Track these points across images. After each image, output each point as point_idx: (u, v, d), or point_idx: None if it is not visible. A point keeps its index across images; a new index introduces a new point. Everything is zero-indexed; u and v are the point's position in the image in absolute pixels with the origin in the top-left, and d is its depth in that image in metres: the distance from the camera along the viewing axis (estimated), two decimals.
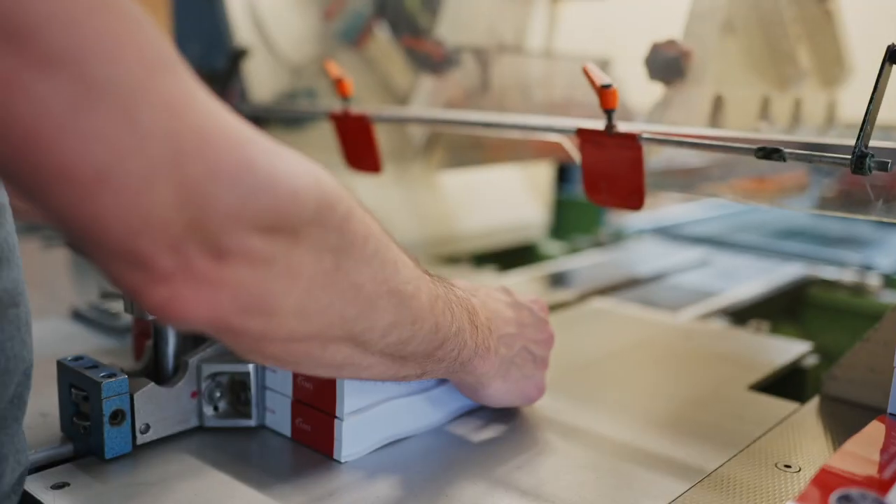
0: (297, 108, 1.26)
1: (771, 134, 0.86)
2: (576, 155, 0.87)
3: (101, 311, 0.96)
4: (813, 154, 0.69)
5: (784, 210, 2.05)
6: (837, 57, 1.07)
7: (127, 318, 0.93)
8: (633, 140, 0.77)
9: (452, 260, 1.45)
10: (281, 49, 1.30)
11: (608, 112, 0.78)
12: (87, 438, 0.65)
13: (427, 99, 1.18)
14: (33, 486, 0.60)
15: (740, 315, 1.20)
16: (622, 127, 0.79)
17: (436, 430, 0.72)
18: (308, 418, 0.67)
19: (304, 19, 1.35)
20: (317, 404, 0.66)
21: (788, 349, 0.98)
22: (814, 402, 0.81)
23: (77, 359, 0.67)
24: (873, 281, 1.34)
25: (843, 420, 0.78)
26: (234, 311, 0.42)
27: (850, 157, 0.66)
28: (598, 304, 1.15)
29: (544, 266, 1.44)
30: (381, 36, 1.29)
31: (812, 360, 0.97)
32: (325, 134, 1.20)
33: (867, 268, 1.42)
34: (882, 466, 0.55)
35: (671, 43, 0.91)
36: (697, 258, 1.50)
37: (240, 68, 1.25)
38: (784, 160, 0.69)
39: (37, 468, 0.63)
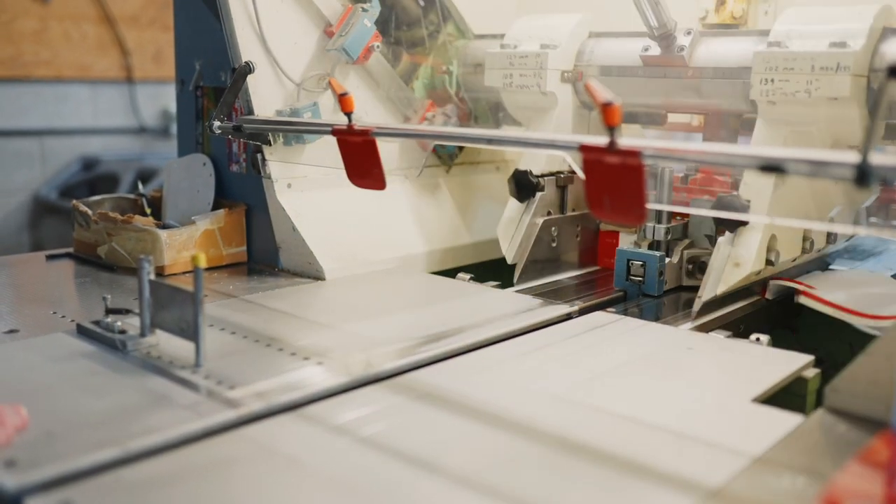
0: (301, 124, 1.26)
1: (773, 149, 0.87)
2: (579, 170, 0.87)
3: (106, 327, 0.96)
4: (816, 169, 0.69)
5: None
6: None
7: (133, 335, 0.93)
8: (635, 156, 0.78)
9: (456, 272, 1.46)
10: (285, 65, 1.31)
11: (610, 129, 0.78)
12: (639, 287, 1.27)
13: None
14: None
15: (740, 326, 1.21)
16: (625, 143, 0.79)
17: (438, 444, 0.72)
18: None
19: (308, 36, 1.35)
20: None
21: (790, 361, 0.98)
22: (817, 415, 0.82)
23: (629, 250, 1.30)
24: None
25: (846, 433, 0.78)
26: None
27: (853, 171, 0.67)
28: (600, 316, 1.15)
29: (546, 278, 1.44)
30: (385, 52, 1.30)
31: (812, 372, 0.98)
32: (328, 148, 1.20)
33: None
34: (889, 481, 0.56)
35: None
36: None
37: (245, 84, 1.26)
38: (786, 174, 0.70)
39: (44, 486, 0.64)
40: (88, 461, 0.66)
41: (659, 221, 1.30)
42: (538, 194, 1.35)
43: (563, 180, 1.39)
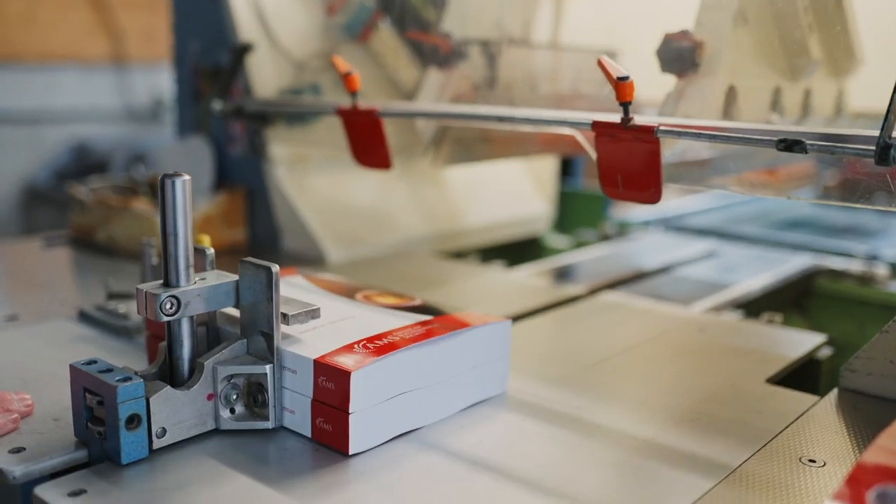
0: (304, 104, 1.24)
1: (790, 125, 0.85)
2: (590, 148, 0.86)
3: (109, 312, 0.95)
4: (835, 145, 0.68)
5: (789, 200, 2.05)
6: (848, 46, 1.06)
7: (136, 319, 0.92)
8: (650, 133, 0.77)
9: (459, 255, 1.44)
10: (284, 44, 1.29)
11: (624, 105, 0.77)
12: (102, 444, 0.63)
13: (435, 93, 1.17)
14: (49, 493, 0.59)
15: (750, 307, 1.20)
16: (639, 120, 0.78)
17: (452, 426, 0.71)
18: (329, 418, 0.66)
19: (308, 14, 1.33)
20: (334, 403, 0.65)
21: (803, 341, 0.97)
22: (832, 395, 0.81)
23: (90, 362, 0.65)
24: (881, 270, 1.33)
25: (862, 413, 0.77)
26: None
27: (873, 148, 0.66)
28: (609, 297, 1.14)
29: (551, 260, 1.43)
30: (386, 30, 1.28)
31: (826, 352, 0.97)
32: (330, 129, 1.19)
33: (873, 258, 1.42)
34: None
35: (684, 34, 0.90)
36: (703, 250, 1.50)
37: (243, 64, 1.24)
38: (806, 152, 0.68)
39: (52, 475, 0.62)
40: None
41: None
42: (460, 63, 1.16)
43: (493, 49, 1.19)
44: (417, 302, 0.81)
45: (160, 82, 3.82)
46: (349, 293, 0.84)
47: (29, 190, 3.55)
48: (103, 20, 3.70)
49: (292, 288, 0.85)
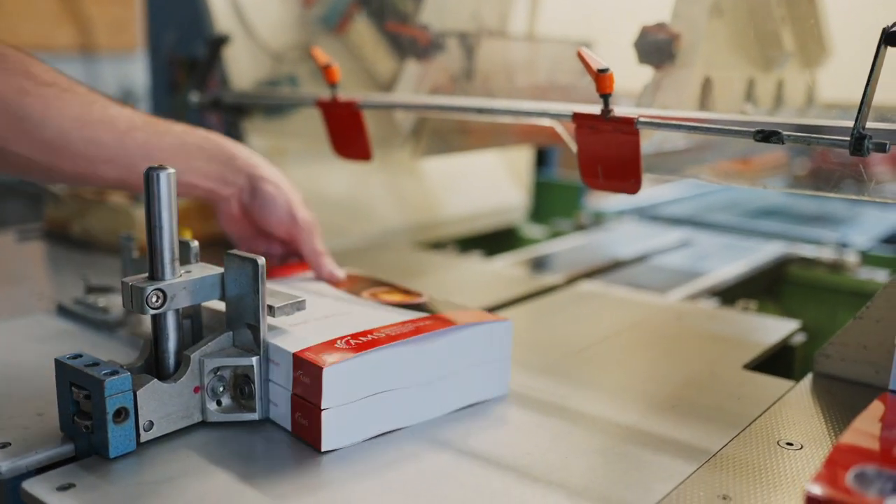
0: (283, 96, 1.24)
1: (764, 115, 0.87)
2: (569, 140, 0.87)
3: (88, 306, 0.94)
4: (811, 136, 0.69)
5: (759, 189, 2.08)
6: (818, 37, 1.08)
7: (116, 313, 0.91)
8: (629, 124, 0.78)
9: (437, 245, 1.45)
10: (261, 35, 1.28)
11: (604, 97, 0.78)
12: (89, 438, 0.63)
13: (413, 85, 1.17)
14: (38, 487, 0.59)
15: (725, 295, 1.22)
16: (619, 111, 0.79)
17: (435, 420, 0.72)
18: (305, 413, 0.66)
19: (284, 5, 1.32)
20: (309, 398, 0.65)
21: (778, 328, 0.99)
22: (807, 380, 0.83)
23: (76, 356, 0.65)
24: (851, 258, 1.36)
25: (837, 397, 0.79)
26: None
27: (848, 138, 0.67)
28: (587, 286, 1.15)
29: (528, 250, 1.44)
30: (363, 22, 1.28)
31: (799, 338, 0.99)
32: (307, 121, 1.18)
33: (844, 245, 1.45)
34: (893, 443, 0.56)
35: (661, 26, 0.91)
36: (678, 239, 1.52)
37: (220, 55, 1.23)
38: (783, 142, 0.70)
39: (38, 469, 0.62)
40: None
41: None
42: (438, 55, 1.15)
43: (470, 41, 1.17)
44: (422, 299, 0.80)
45: (130, 73, 3.76)
46: (357, 289, 0.84)
47: None
48: (70, 9, 3.64)
49: (300, 282, 0.86)
